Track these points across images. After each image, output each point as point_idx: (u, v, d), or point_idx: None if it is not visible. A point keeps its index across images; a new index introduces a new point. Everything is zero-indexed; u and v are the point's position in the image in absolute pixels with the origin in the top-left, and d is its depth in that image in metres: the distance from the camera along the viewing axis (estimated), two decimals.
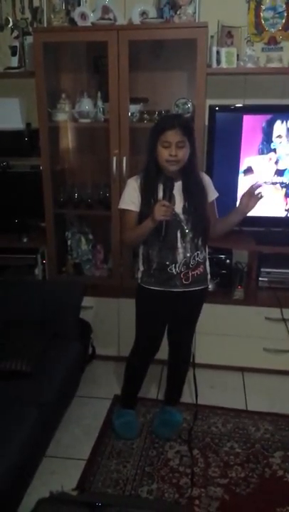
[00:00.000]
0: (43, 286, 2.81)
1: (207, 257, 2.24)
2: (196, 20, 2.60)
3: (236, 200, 2.85)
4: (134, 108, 2.74)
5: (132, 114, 2.73)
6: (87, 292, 2.67)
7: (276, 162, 2.77)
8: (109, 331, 2.97)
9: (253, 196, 2.08)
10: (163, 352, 2.39)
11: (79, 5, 2.81)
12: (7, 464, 1.70)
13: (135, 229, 2.11)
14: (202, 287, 2.23)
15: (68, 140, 3.05)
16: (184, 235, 2.11)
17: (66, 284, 2.75)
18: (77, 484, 2.09)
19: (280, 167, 2.78)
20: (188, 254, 2.13)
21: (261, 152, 2.76)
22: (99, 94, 2.77)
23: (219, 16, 2.74)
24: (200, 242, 2.15)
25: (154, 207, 1.98)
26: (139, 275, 2.24)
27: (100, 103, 2.77)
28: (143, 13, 2.73)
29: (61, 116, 2.80)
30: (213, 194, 2.22)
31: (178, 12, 2.64)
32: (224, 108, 2.74)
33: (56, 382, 2.20)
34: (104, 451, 2.32)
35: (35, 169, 3.01)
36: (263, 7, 2.77)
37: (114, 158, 2.71)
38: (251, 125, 2.73)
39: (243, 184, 2.81)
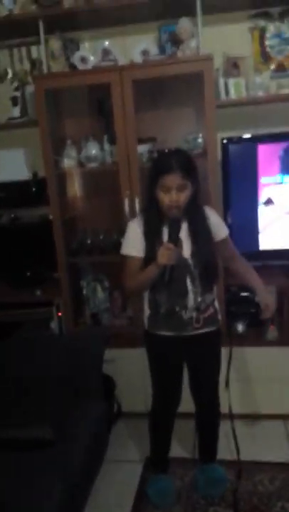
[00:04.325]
0: (60, 341, 2.62)
1: (216, 297, 2.09)
2: (200, 54, 2.52)
3: (257, 234, 2.71)
4: (142, 148, 2.64)
5: (141, 154, 2.62)
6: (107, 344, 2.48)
7: None
8: (134, 385, 2.75)
9: None
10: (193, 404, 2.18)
11: (78, 50, 2.77)
12: None
13: (138, 276, 1.96)
14: (213, 329, 2.07)
15: (77, 186, 2.95)
16: (193, 279, 1.96)
17: (86, 336, 2.56)
18: None
19: None
20: (199, 299, 1.98)
21: (281, 181, 2.61)
22: (105, 137, 2.68)
23: (223, 48, 2.68)
24: (210, 285, 2.02)
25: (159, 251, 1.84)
26: (146, 321, 2.10)
27: (106, 146, 2.67)
28: (144, 52, 2.66)
29: (68, 163, 2.71)
30: (224, 231, 2.07)
31: (180, 47, 2.57)
32: (237, 140, 2.62)
33: (82, 449, 1.99)
34: None
35: (44, 219, 2.90)
36: (268, 35, 2.69)
37: (126, 200, 2.59)
38: (268, 155, 2.60)
39: (264, 216, 2.67)
